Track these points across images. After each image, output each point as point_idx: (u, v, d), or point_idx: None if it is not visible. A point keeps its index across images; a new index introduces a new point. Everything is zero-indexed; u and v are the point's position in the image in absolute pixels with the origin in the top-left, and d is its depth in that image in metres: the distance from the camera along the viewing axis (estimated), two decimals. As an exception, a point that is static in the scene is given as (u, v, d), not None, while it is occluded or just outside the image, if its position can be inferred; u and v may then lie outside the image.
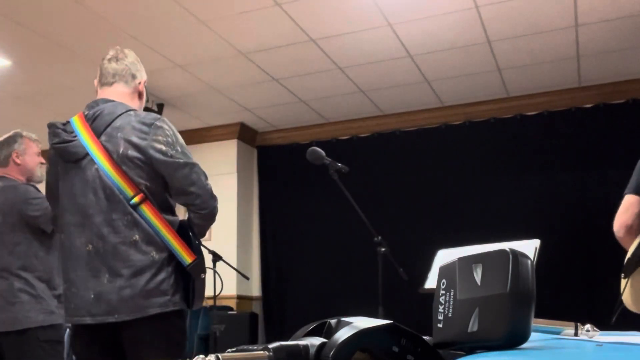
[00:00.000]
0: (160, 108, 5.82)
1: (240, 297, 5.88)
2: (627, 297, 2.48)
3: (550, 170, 5.38)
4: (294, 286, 6.09)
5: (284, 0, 3.94)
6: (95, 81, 2.30)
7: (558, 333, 0.98)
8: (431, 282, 2.73)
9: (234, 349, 0.79)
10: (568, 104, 5.43)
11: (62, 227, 2.15)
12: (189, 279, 2.11)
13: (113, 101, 2.18)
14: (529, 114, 5.57)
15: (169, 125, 2.15)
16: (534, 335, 0.79)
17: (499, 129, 5.63)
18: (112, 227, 2.04)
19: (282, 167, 6.30)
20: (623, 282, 2.50)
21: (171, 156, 2.08)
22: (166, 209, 2.13)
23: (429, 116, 5.91)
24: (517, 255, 0.77)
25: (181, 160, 2.10)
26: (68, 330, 4.55)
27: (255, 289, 6.23)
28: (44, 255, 3.13)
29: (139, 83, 2.29)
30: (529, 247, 2.38)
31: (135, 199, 2.04)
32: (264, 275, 6.25)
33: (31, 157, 3.26)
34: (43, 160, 3.34)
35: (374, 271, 3.16)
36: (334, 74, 5.12)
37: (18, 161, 3.21)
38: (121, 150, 2.06)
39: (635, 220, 2.56)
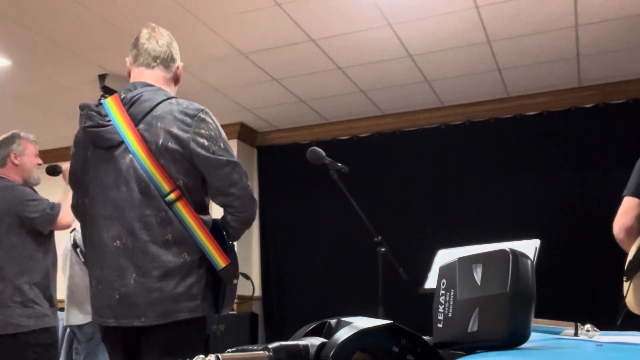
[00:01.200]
0: (160, 108, 5.82)
1: (240, 297, 5.88)
2: (630, 300, 2.46)
3: (550, 170, 5.38)
4: (294, 286, 6.09)
5: (284, 0, 3.94)
6: (128, 60, 2.11)
7: (558, 333, 0.98)
8: (431, 282, 2.74)
9: (234, 349, 0.79)
10: (568, 104, 5.43)
11: (90, 219, 1.99)
12: (219, 283, 1.99)
13: (152, 85, 2.01)
14: (529, 114, 5.56)
15: (213, 119, 2.00)
16: (534, 335, 0.79)
17: (499, 129, 5.62)
18: (144, 224, 1.89)
19: (282, 167, 6.29)
20: (625, 285, 2.49)
21: (213, 152, 1.93)
22: (201, 208, 1.99)
23: (429, 116, 5.91)
24: (517, 255, 0.77)
25: (223, 158, 1.95)
26: (68, 330, 4.56)
27: (255, 289, 6.22)
28: (39, 257, 3.11)
29: (177, 68, 2.14)
30: (529, 247, 2.38)
31: (171, 196, 1.89)
32: (264, 275, 6.25)
33: (29, 158, 3.25)
34: (40, 162, 3.33)
35: (374, 271, 3.16)
36: (334, 74, 5.12)
37: (16, 162, 3.20)
38: (160, 142, 1.90)
39: (635, 222, 2.55)
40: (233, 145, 6.28)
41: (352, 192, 3.09)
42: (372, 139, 6.11)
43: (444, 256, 2.73)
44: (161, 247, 1.89)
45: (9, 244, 3.05)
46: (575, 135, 5.34)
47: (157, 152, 1.90)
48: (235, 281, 2.01)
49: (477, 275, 0.80)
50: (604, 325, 1.12)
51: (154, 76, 2.05)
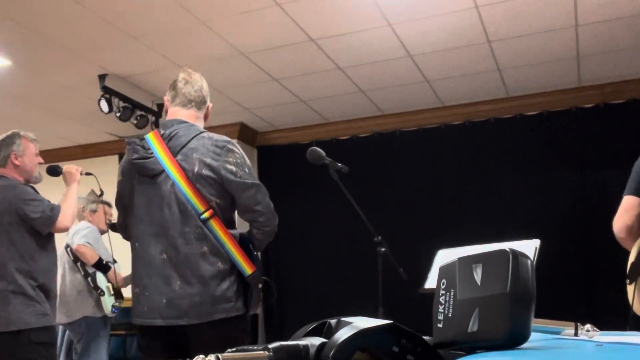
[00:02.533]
0: (160, 108, 5.82)
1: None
2: (636, 304, 2.43)
3: (550, 170, 5.38)
4: (294, 286, 6.09)
5: (284, 0, 3.94)
6: (166, 99, 2.47)
7: (558, 333, 0.98)
8: (431, 282, 2.74)
9: (234, 349, 0.79)
10: (568, 104, 5.43)
11: (137, 236, 2.33)
12: (248, 287, 2.32)
13: (186, 122, 2.37)
14: (529, 114, 5.56)
15: (238, 149, 2.36)
16: (534, 335, 0.79)
17: (499, 129, 5.62)
18: (184, 239, 2.23)
19: (282, 167, 6.29)
20: (629, 288, 2.46)
21: (240, 177, 2.28)
22: (230, 224, 2.32)
23: (429, 116, 5.91)
24: (517, 255, 0.77)
25: (249, 181, 2.30)
26: (61, 330, 4.56)
27: (255, 289, 6.22)
28: (40, 256, 3.11)
29: (207, 107, 2.51)
30: (529, 247, 2.38)
31: (206, 214, 2.24)
32: (264, 276, 6.23)
33: (30, 158, 3.24)
34: (41, 160, 3.32)
35: (374, 271, 3.15)
36: (334, 74, 5.12)
37: (17, 162, 3.18)
38: (196, 170, 2.25)
39: (635, 221, 2.54)
40: (233, 145, 6.28)
41: (352, 192, 3.09)
42: (372, 139, 6.11)
43: (444, 256, 2.73)
44: (199, 258, 2.22)
45: (9, 242, 3.05)
46: (575, 135, 5.34)
47: (193, 179, 2.25)
48: (260, 285, 2.34)
49: (477, 275, 0.80)
50: (604, 325, 1.12)
51: (188, 114, 2.41)
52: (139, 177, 2.33)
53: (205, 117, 2.50)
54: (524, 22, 4.26)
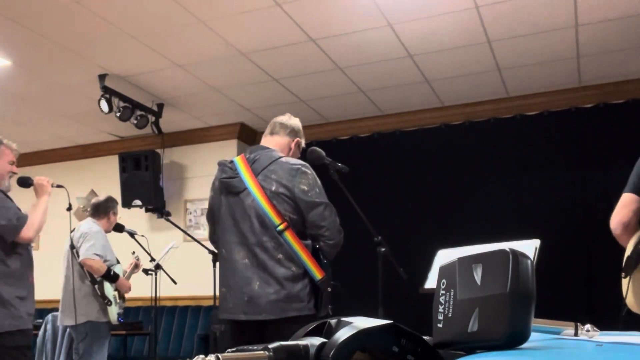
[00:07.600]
0: (160, 108, 5.82)
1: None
2: (629, 298, 2.46)
3: (550, 170, 5.37)
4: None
5: (284, 0, 3.94)
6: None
7: (558, 333, 0.98)
8: (431, 282, 2.74)
9: (234, 349, 0.79)
10: (568, 104, 5.43)
11: (224, 243, 2.71)
12: (319, 290, 2.64)
13: (268, 148, 2.77)
14: (529, 114, 5.56)
15: (311, 171, 2.71)
16: (534, 335, 0.79)
17: (499, 129, 5.62)
18: (262, 247, 2.60)
19: (282, 167, 6.28)
20: (624, 282, 2.49)
21: (310, 196, 2.63)
22: (303, 236, 2.67)
23: (429, 116, 5.91)
24: (517, 255, 0.77)
25: (318, 200, 2.64)
26: (68, 330, 4.55)
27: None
28: (10, 261, 3.06)
29: (293, 141, 2.87)
30: (529, 247, 2.37)
31: (281, 227, 2.59)
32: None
33: (3, 164, 3.20)
34: (15, 170, 3.27)
35: (374, 271, 3.15)
36: (334, 74, 5.12)
37: None
38: (273, 188, 2.62)
39: (632, 218, 2.57)
40: (233, 145, 6.29)
41: (352, 192, 3.09)
42: (372, 139, 6.10)
43: (444, 256, 2.73)
44: (275, 263, 2.58)
45: None
46: (575, 135, 5.33)
47: (271, 196, 2.62)
48: (329, 289, 2.66)
49: (477, 275, 0.80)
50: (604, 325, 1.11)
51: (272, 141, 2.83)
52: (226, 193, 2.72)
53: (293, 152, 2.85)
54: (524, 22, 4.26)
